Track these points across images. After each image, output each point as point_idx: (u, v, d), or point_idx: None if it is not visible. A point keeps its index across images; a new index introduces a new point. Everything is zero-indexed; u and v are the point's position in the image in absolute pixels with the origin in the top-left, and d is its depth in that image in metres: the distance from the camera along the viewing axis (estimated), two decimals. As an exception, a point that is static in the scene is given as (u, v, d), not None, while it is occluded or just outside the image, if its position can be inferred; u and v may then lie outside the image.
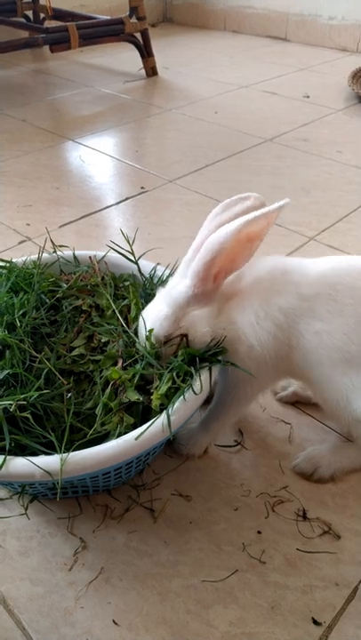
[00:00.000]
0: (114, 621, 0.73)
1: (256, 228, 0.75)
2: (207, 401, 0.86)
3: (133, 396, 0.78)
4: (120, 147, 2.15)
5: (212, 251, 0.75)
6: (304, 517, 0.85)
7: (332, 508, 0.87)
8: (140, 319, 0.84)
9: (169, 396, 0.77)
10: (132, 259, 1.02)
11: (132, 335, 0.86)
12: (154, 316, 0.82)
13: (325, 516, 0.85)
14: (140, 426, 0.74)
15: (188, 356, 0.79)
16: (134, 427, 0.75)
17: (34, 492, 0.85)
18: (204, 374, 0.78)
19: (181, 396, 0.75)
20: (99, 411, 0.78)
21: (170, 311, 0.80)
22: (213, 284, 0.79)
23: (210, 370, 0.79)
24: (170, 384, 0.77)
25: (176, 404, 0.75)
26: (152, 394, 0.78)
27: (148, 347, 0.81)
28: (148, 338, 0.80)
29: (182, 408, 0.75)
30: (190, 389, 0.76)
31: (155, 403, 0.76)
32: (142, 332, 0.82)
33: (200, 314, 0.81)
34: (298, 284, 0.81)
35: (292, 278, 0.82)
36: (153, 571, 0.79)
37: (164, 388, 0.76)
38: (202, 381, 0.77)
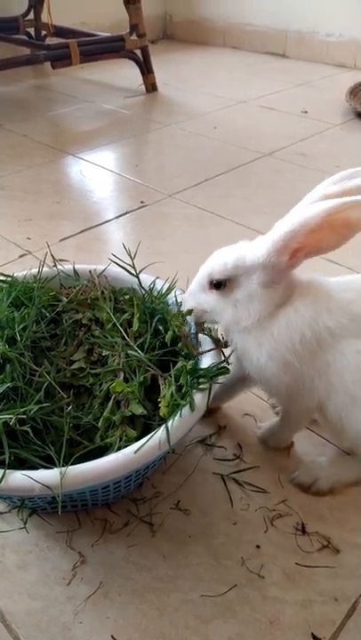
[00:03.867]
0: (112, 637, 0.73)
1: (359, 215, 0.67)
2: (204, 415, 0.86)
3: (138, 409, 0.78)
4: (120, 161, 2.17)
5: (298, 223, 0.68)
6: (303, 531, 0.85)
7: (331, 521, 0.86)
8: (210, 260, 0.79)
9: (169, 406, 0.77)
10: (134, 272, 1.03)
11: (134, 347, 0.87)
12: (218, 255, 0.77)
13: (324, 530, 0.85)
14: (141, 439, 0.74)
15: (188, 372, 0.79)
16: (136, 440, 0.75)
17: (33, 506, 0.85)
18: (204, 392, 0.79)
19: (179, 412, 0.75)
20: (101, 424, 0.79)
21: (232, 259, 0.74)
22: (288, 261, 0.72)
23: (210, 388, 0.79)
24: (172, 389, 0.77)
25: (176, 420, 0.75)
26: (155, 404, 0.78)
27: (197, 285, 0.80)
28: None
29: (182, 422, 0.75)
30: (190, 406, 0.76)
31: (163, 411, 0.76)
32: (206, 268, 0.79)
33: (259, 293, 0.75)
34: (349, 301, 0.78)
35: (342, 296, 0.79)
36: (152, 585, 0.79)
37: (168, 395, 0.77)
38: (205, 398, 0.78)
